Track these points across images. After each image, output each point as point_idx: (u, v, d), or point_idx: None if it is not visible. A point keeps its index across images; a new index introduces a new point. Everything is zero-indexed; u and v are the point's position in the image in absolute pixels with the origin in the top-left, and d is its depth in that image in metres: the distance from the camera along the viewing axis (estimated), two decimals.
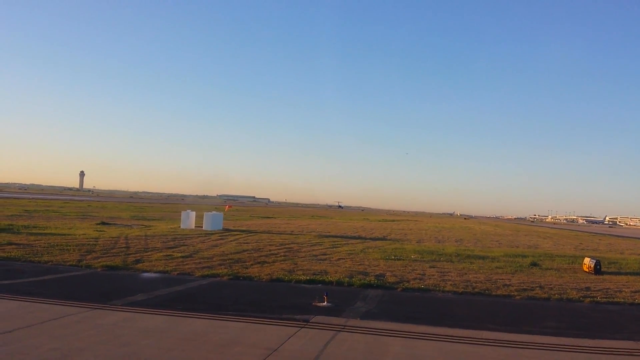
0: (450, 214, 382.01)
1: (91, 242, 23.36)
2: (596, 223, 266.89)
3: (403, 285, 15.33)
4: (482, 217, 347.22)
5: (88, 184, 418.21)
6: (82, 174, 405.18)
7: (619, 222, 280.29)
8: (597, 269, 21.55)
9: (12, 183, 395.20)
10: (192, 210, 39.60)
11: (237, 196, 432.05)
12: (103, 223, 38.96)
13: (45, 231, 29.35)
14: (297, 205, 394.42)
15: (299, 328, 9.28)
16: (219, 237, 30.50)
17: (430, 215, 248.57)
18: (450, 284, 15.86)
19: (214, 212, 39.65)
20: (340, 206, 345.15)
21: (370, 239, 37.51)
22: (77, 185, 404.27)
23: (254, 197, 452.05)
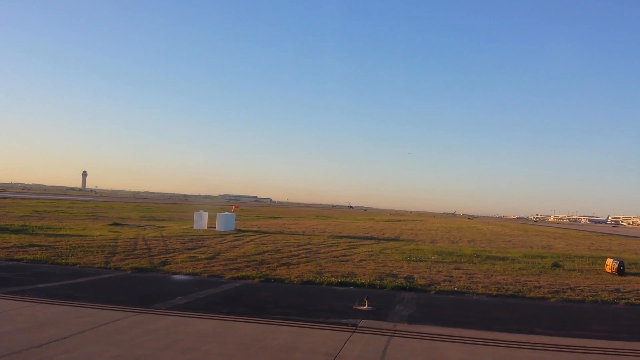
0: (452, 214, 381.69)
1: (111, 244, 23.26)
2: (599, 223, 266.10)
3: (435, 287, 15.20)
4: (484, 216, 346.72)
5: (90, 183, 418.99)
6: (84, 174, 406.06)
7: (622, 221, 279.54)
8: (621, 270, 21.41)
9: (14, 183, 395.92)
10: (205, 211, 39.52)
11: (239, 196, 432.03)
12: (115, 224, 38.89)
13: (60, 232, 29.29)
14: (299, 205, 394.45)
15: (351, 333, 9.16)
16: (235, 238, 30.41)
17: (434, 215, 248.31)
18: (482, 287, 15.72)
19: (226, 213, 39.59)
20: (351, 206, 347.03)
21: (384, 239, 37.39)
22: (79, 185, 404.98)
23: (255, 197, 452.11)
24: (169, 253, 20.82)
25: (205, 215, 38.48)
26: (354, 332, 9.25)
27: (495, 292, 14.82)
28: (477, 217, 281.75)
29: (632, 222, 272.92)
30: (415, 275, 17.52)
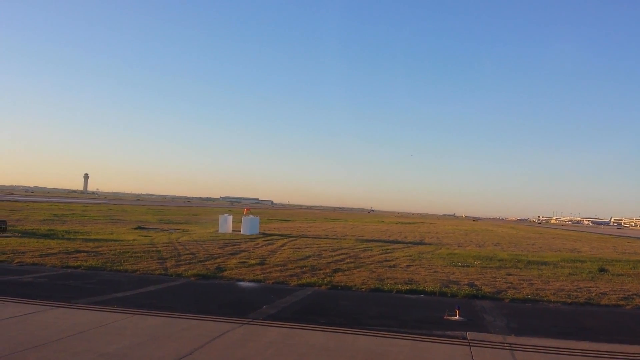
0: (452, 215, 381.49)
1: (152, 249, 22.95)
2: (602, 224, 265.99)
3: (504, 295, 14.91)
4: (486, 218, 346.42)
5: (91, 186, 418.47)
6: (86, 176, 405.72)
7: (624, 223, 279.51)
8: None
9: (16, 186, 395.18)
10: (230, 215, 39.36)
11: (240, 198, 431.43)
12: (140, 227, 38.64)
13: (92, 237, 29.03)
14: (301, 207, 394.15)
15: (467, 346, 8.88)
16: (266, 242, 30.14)
17: (438, 218, 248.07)
18: (550, 293, 15.42)
19: (251, 217, 39.48)
20: (372, 210, 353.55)
21: (411, 243, 37.10)
22: (80, 188, 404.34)
23: (257, 199, 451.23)
24: (215, 258, 20.53)
25: (230, 218, 38.40)
26: (469, 345, 8.96)
27: (569, 300, 14.53)
28: (481, 219, 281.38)
29: (635, 223, 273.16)
30: (476, 282, 17.22)
